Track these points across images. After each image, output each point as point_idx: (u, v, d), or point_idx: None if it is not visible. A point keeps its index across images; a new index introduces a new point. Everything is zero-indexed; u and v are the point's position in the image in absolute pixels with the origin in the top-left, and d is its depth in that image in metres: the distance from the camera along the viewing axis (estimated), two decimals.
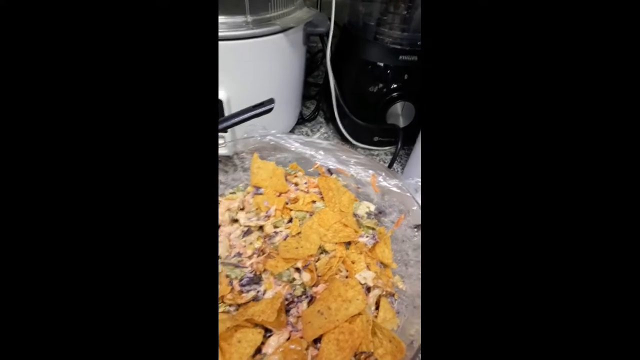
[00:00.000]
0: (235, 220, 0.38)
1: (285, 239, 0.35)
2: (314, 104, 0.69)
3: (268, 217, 0.37)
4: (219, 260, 0.33)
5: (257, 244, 0.35)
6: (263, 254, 0.34)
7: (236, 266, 0.33)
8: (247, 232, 0.36)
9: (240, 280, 0.32)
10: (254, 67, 0.44)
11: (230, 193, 0.42)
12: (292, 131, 0.62)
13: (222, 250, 0.34)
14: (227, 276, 0.32)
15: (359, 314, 0.30)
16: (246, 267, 0.33)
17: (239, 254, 0.34)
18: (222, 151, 0.45)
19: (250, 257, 0.34)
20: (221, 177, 0.46)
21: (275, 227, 0.36)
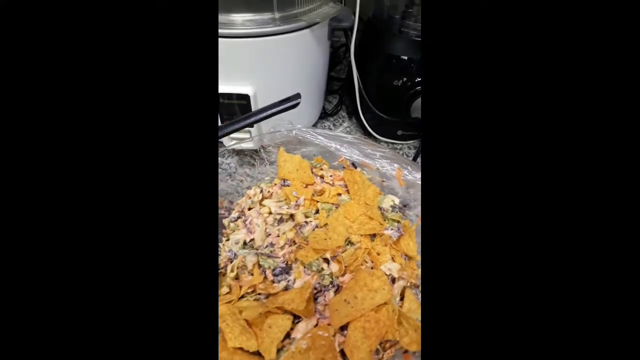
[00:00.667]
0: (263, 206, 0.39)
1: (314, 230, 0.36)
2: (336, 98, 0.69)
3: (298, 206, 0.38)
4: (253, 251, 0.35)
5: (290, 235, 0.36)
6: (294, 244, 0.35)
7: (269, 256, 0.34)
8: (280, 220, 0.37)
9: (273, 270, 0.34)
10: (280, 62, 0.45)
11: (255, 187, 0.43)
12: (314, 126, 0.62)
13: (257, 238, 0.36)
14: (260, 266, 0.34)
15: (385, 303, 0.31)
16: (278, 257, 0.34)
17: (272, 244, 0.36)
18: (248, 145, 0.46)
19: (282, 248, 0.35)
20: (248, 171, 0.47)
21: (306, 216, 0.37)
